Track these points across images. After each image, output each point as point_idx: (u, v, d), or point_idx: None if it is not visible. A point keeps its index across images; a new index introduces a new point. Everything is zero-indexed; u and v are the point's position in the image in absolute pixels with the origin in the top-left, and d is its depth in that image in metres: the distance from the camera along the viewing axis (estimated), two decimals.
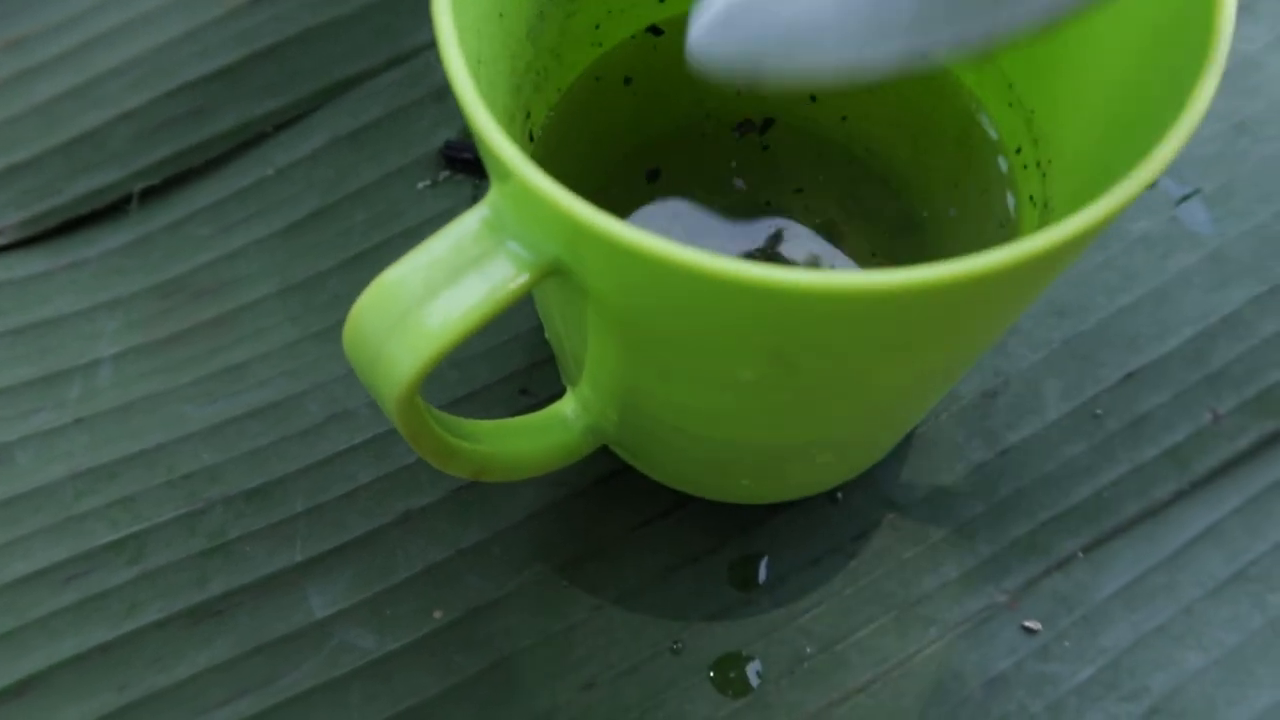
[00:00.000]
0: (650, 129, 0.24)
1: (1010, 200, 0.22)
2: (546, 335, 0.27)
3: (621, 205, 0.22)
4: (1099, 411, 0.28)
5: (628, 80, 0.24)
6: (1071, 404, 0.28)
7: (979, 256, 0.13)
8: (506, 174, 0.14)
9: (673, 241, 0.13)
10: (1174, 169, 0.30)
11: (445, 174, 0.30)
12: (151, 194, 0.30)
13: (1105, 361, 0.28)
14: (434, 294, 0.15)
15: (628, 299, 0.15)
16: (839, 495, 0.27)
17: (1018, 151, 0.23)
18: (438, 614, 0.25)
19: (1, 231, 0.29)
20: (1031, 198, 0.22)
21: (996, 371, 0.28)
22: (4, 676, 0.24)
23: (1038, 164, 0.22)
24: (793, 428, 0.19)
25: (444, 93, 0.31)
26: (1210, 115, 0.31)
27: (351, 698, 0.24)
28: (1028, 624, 0.26)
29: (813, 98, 0.24)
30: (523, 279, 0.15)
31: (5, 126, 0.30)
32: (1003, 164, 0.23)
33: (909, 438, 0.27)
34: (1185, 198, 0.30)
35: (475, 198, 0.30)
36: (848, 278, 0.13)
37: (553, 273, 0.16)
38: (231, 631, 0.25)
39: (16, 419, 0.27)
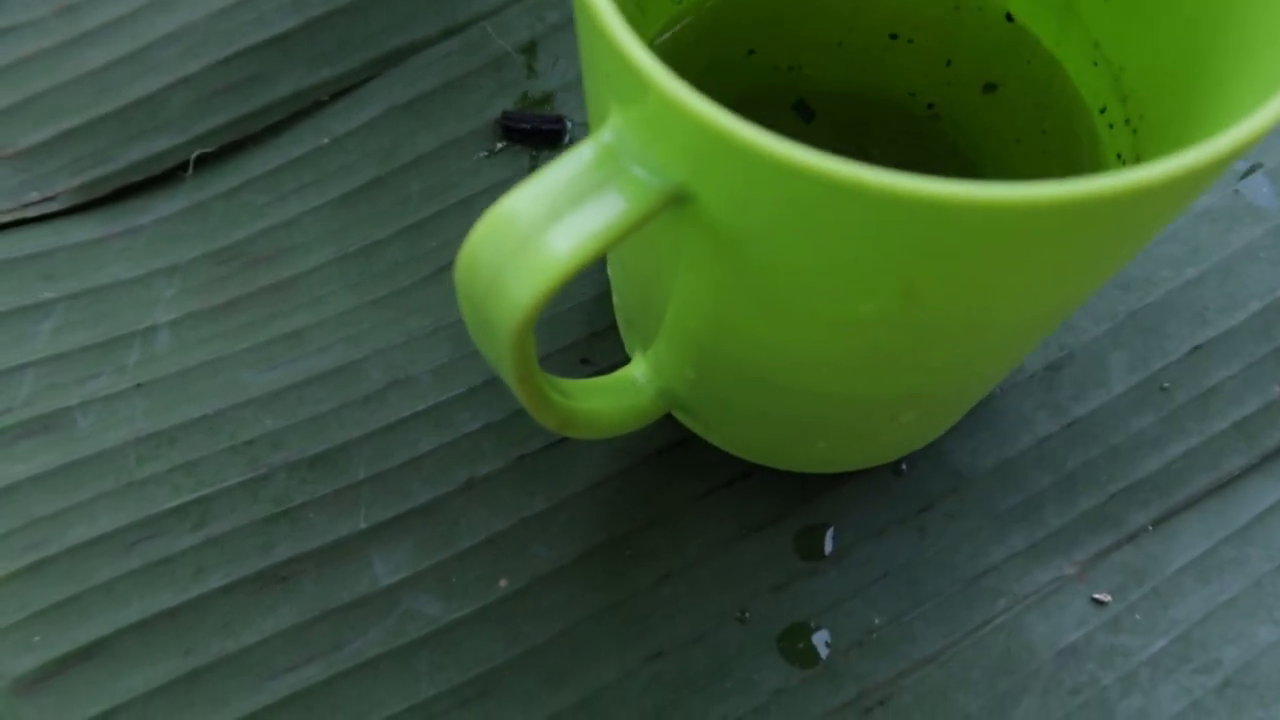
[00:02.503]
0: (725, 93, 0.24)
1: (1100, 159, 0.22)
2: (614, 299, 0.26)
3: None
4: (1166, 384, 0.27)
5: (704, 40, 0.24)
6: (1138, 377, 0.28)
7: (1151, 165, 0.13)
8: (639, 85, 0.14)
9: (817, 150, 0.13)
10: None
11: (502, 144, 0.30)
12: (207, 161, 0.29)
13: (1172, 334, 0.28)
14: (557, 218, 0.15)
15: (752, 223, 0.15)
16: (903, 467, 0.27)
17: (1102, 111, 0.22)
18: (503, 582, 0.25)
19: (56, 197, 0.29)
20: (1120, 155, 0.22)
21: (1061, 345, 0.28)
22: (70, 641, 0.24)
23: (1126, 121, 0.22)
24: (896, 375, 0.19)
25: (501, 62, 0.31)
26: None
27: (419, 665, 0.24)
28: (1097, 596, 0.25)
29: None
30: (645, 204, 0.15)
31: (58, 92, 0.30)
32: (1086, 123, 0.22)
33: (974, 410, 0.27)
34: (1248, 172, 0.30)
35: (533, 168, 0.30)
36: (1025, 189, 0.12)
37: (677, 199, 0.15)
38: (297, 597, 0.24)
39: (74, 384, 0.26)
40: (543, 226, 0.15)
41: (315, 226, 0.29)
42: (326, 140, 0.30)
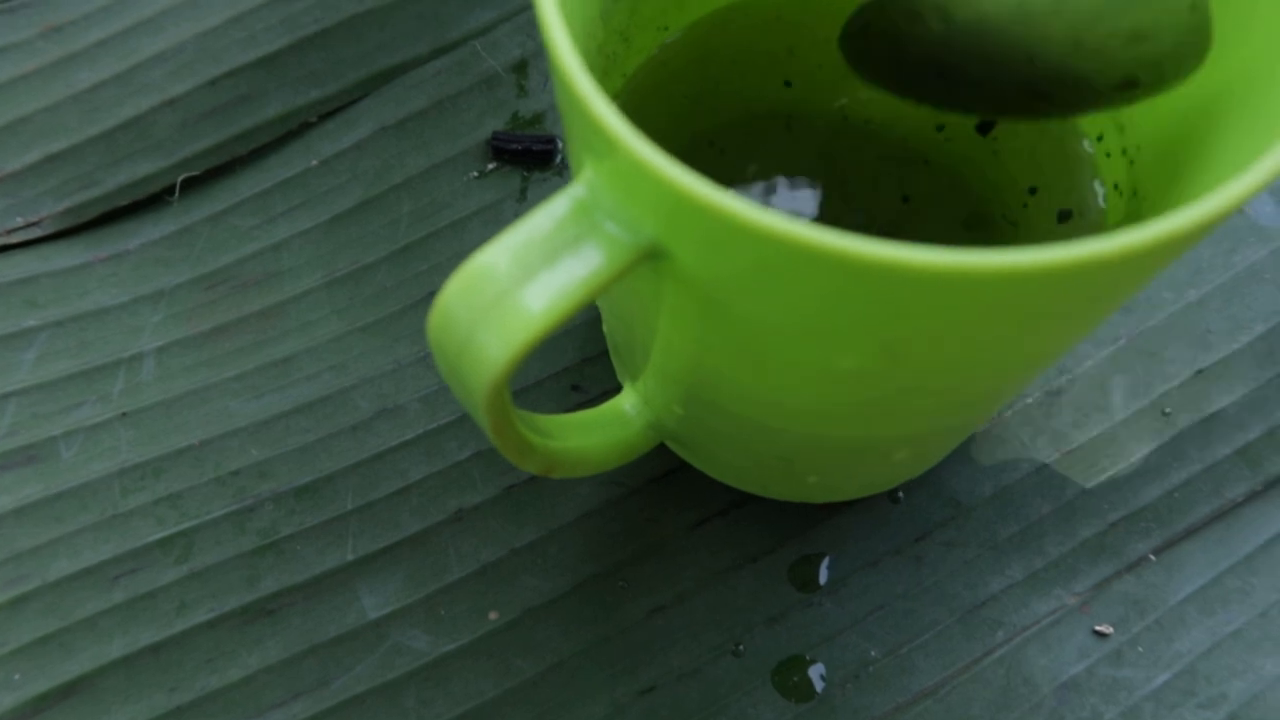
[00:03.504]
0: (714, 117, 0.23)
1: (1096, 189, 0.21)
2: (605, 329, 0.26)
3: None
4: (1168, 410, 0.27)
5: (693, 65, 0.23)
6: (1139, 402, 0.27)
7: (1145, 227, 0.12)
8: (609, 146, 0.14)
9: (799, 219, 0.13)
10: None
11: (493, 165, 0.29)
12: (193, 184, 0.29)
13: (1173, 358, 0.27)
14: (530, 277, 0.15)
15: (725, 279, 0.15)
16: (900, 495, 0.26)
17: (1099, 139, 0.22)
18: (493, 615, 0.25)
19: (40, 222, 0.28)
20: (1116, 185, 0.21)
21: (1060, 369, 0.27)
22: (51, 678, 0.23)
23: (1123, 151, 0.21)
24: (882, 422, 0.18)
25: (492, 82, 0.30)
26: None
27: (407, 701, 0.24)
28: (1099, 628, 0.25)
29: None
30: (619, 261, 0.15)
31: (44, 115, 0.29)
32: (1084, 151, 0.22)
33: (971, 438, 0.27)
34: None
35: (524, 189, 0.29)
36: (1007, 255, 0.12)
37: (651, 256, 0.15)
38: (283, 632, 0.24)
39: (59, 413, 0.26)
40: (517, 283, 0.14)
41: (304, 250, 0.28)
42: (315, 162, 0.29)
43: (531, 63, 0.30)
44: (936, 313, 0.14)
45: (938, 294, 0.13)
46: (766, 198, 0.22)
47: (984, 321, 0.14)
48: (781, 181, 0.23)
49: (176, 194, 0.29)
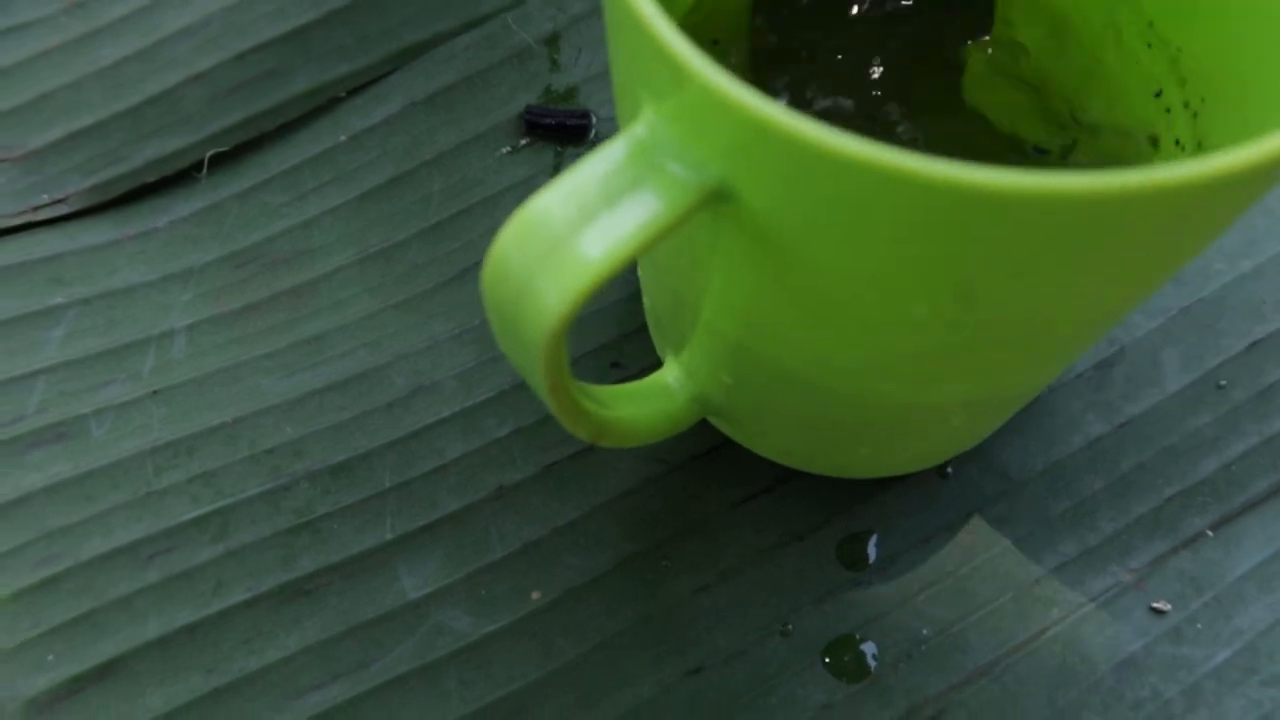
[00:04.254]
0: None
1: (1153, 144, 0.21)
2: (645, 300, 0.25)
3: None
4: (1223, 382, 0.26)
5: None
6: (1193, 375, 0.26)
7: (1227, 153, 0.12)
8: (676, 75, 0.13)
9: (882, 145, 0.12)
10: None
11: (526, 140, 0.29)
12: (222, 160, 0.28)
13: (1227, 330, 0.27)
14: (588, 221, 0.14)
15: (797, 220, 0.14)
16: (949, 470, 0.26)
17: (1157, 95, 0.21)
18: (535, 595, 0.24)
19: (66, 199, 0.28)
20: (1178, 141, 0.21)
21: (1111, 341, 0.27)
22: (86, 659, 0.23)
23: (1185, 104, 0.20)
24: (946, 379, 0.18)
25: (524, 55, 0.30)
26: None
27: (448, 683, 0.23)
28: (1156, 605, 0.24)
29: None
30: (683, 202, 0.14)
31: (69, 91, 0.29)
32: (1140, 108, 0.21)
33: (1022, 411, 0.26)
34: None
35: (558, 165, 0.29)
36: (1102, 178, 0.11)
37: (717, 197, 0.14)
38: (321, 612, 0.23)
39: (88, 391, 0.25)
40: (575, 228, 0.14)
41: (334, 227, 0.28)
42: (345, 137, 0.29)
43: (564, 36, 0.30)
44: (1020, 242, 0.13)
45: (1024, 220, 0.12)
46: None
47: (1066, 252, 0.13)
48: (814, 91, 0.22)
49: (205, 170, 0.28)
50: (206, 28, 0.29)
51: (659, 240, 0.14)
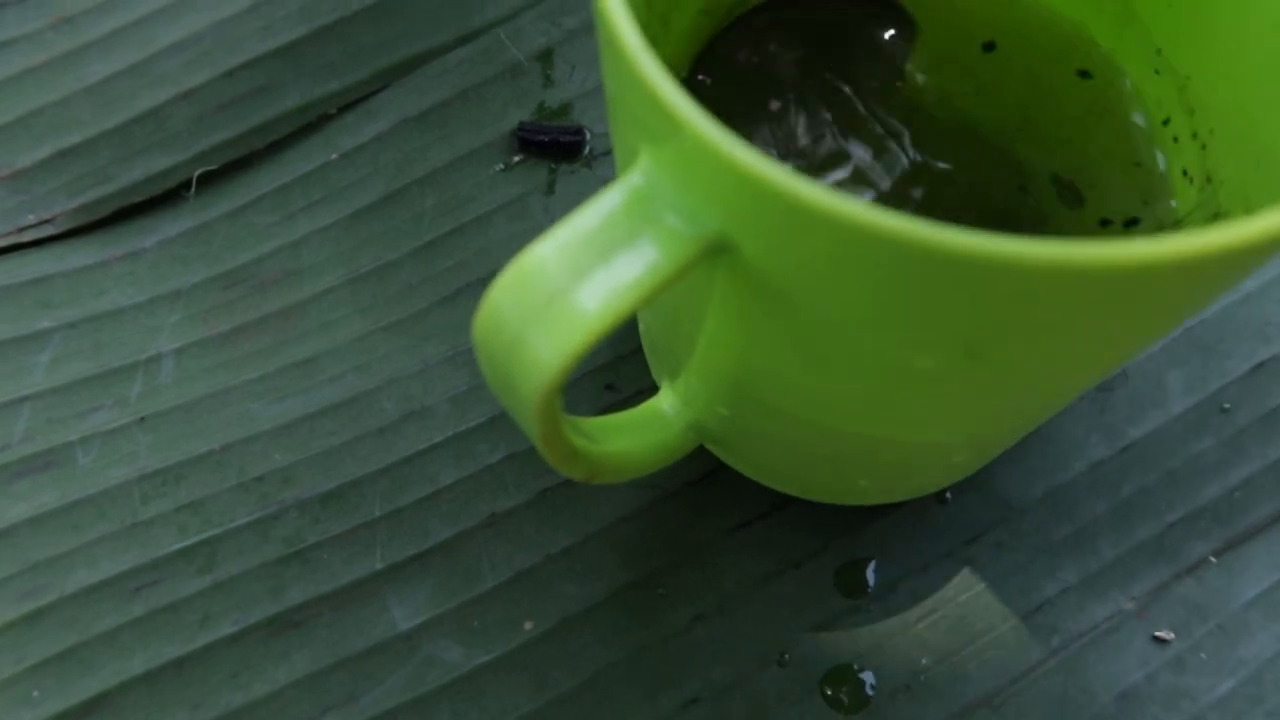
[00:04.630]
0: (763, 106, 0.22)
1: (1162, 172, 0.20)
2: (640, 325, 0.25)
3: None
4: (1227, 405, 0.26)
5: (737, 54, 0.22)
6: (1196, 397, 0.26)
7: (1251, 221, 0.11)
8: (674, 129, 0.13)
9: (883, 209, 0.11)
10: None
11: (519, 157, 0.28)
12: (210, 179, 0.28)
13: (1232, 352, 0.26)
14: (583, 276, 0.14)
15: (797, 274, 0.14)
16: (948, 496, 0.25)
17: (1165, 123, 0.21)
18: (528, 625, 0.24)
19: (54, 220, 0.27)
20: (1185, 172, 0.20)
21: None
22: (70, 695, 0.22)
23: (1194, 135, 0.20)
24: (950, 424, 0.17)
25: (517, 71, 0.29)
26: None
27: (440, 716, 0.23)
28: (1159, 634, 0.24)
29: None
30: (681, 256, 0.14)
31: (55, 108, 0.28)
32: (1146, 137, 0.21)
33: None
34: None
35: (551, 182, 0.28)
36: (1119, 247, 0.11)
37: (713, 249, 0.14)
38: (310, 644, 0.23)
39: (75, 418, 0.25)
40: (570, 282, 0.13)
41: (325, 247, 0.27)
42: (335, 155, 0.28)
43: (557, 51, 0.29)
44: (1031, 309, 0.12)
45: (1037, 289, 0.12)
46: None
47: (1081, 319, 0.13)
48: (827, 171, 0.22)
49: (193, 189, 0.28)
50: (196, 44, 0.28)
51: (657, 295, 0.14)
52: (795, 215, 0.12)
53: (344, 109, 0.29)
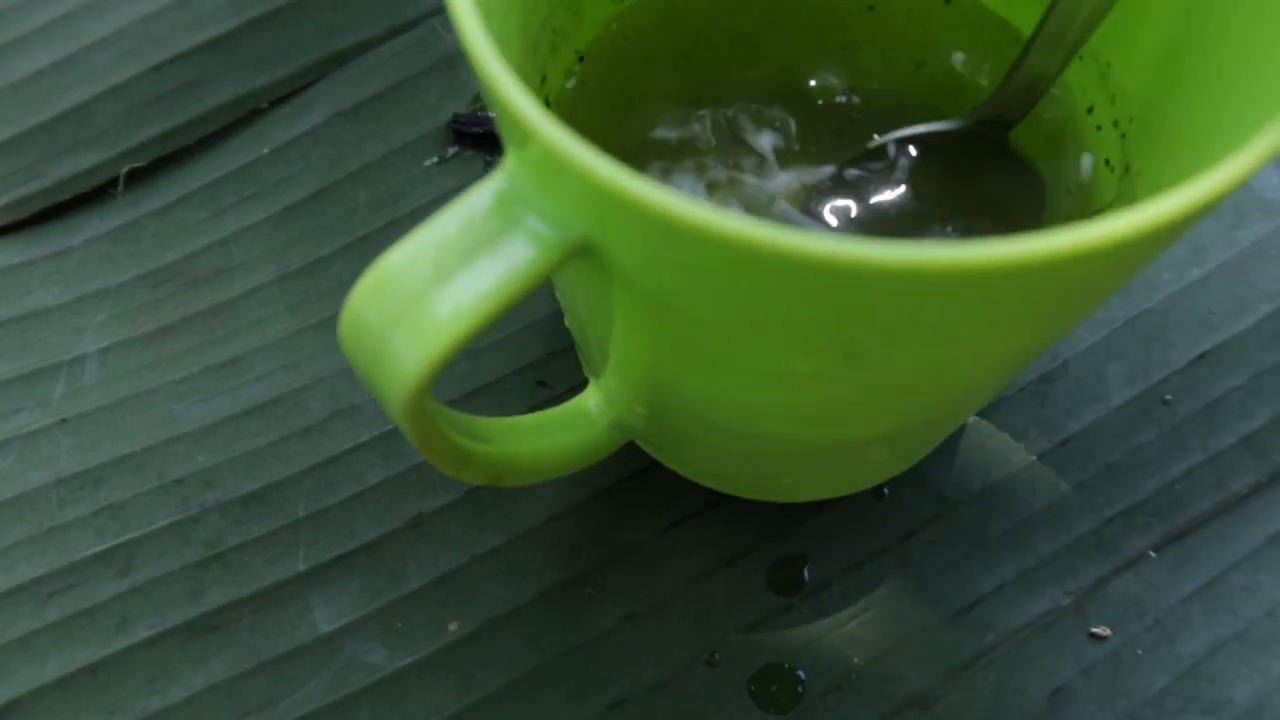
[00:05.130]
0: (683, 96, 0.22)
1: (1086, 164, 0.20)
2: (566, 321, 0.25)
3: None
4: (1168, 397, 0.25)
5: (656, 41, 0.22)
6: (1137, 389, 0.25)
7: (1119, 217, 0.11)
8: (526, 136, 0.12)
9: (731, 211, 0.11)
10: None
11: (454, 150, 0.28)
12: (139, 176, 0.28)
13: (1174, 343, 0.26)
14: (444, 279, 0.13)
15: (665, 281, 0.13)
16: (886, 491, 0.25)
17: (1090, 110, 0.20)
18: (453, 626, 0.23)
19: None
20: (1108, 161, 0.20)
21: (1054, 355, 0.26)
22: None
23: (1115, 124, 0.20)
24: (851, 423, 0.17)
25: (453, 62, 0.29)
26: None
27: (361, 719, 0.22)
28: (1096, 630, 0.24)
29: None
30: (544, 260, 0.13)
31: None
32: (1071, 124, 0.20)
33: (960, 429, 0.25)
34: None
35: (487, 175, 0.28)
36: (966, 250, 0.11)
37: (580, 253, 0.13)
38: (230, 648, 0.23)
39: None
40: (430, 287, 0.13)
41: (256, 244, 0.27)
42: (267, 150, 0.28)
43: None
44: (898, 313, 0.12)
45: (898, 293, 0.11)
46: (732, 189, 0.21)
47: (952, 321, 0.12)
48: (746, 167, 0.21)
49: (121, 186, 0.27)
50: (123, 39, 0.28)
51: (521, 296, 0.14)
52: (645, 222, 0.12)
53: (275, 103, 0.28)
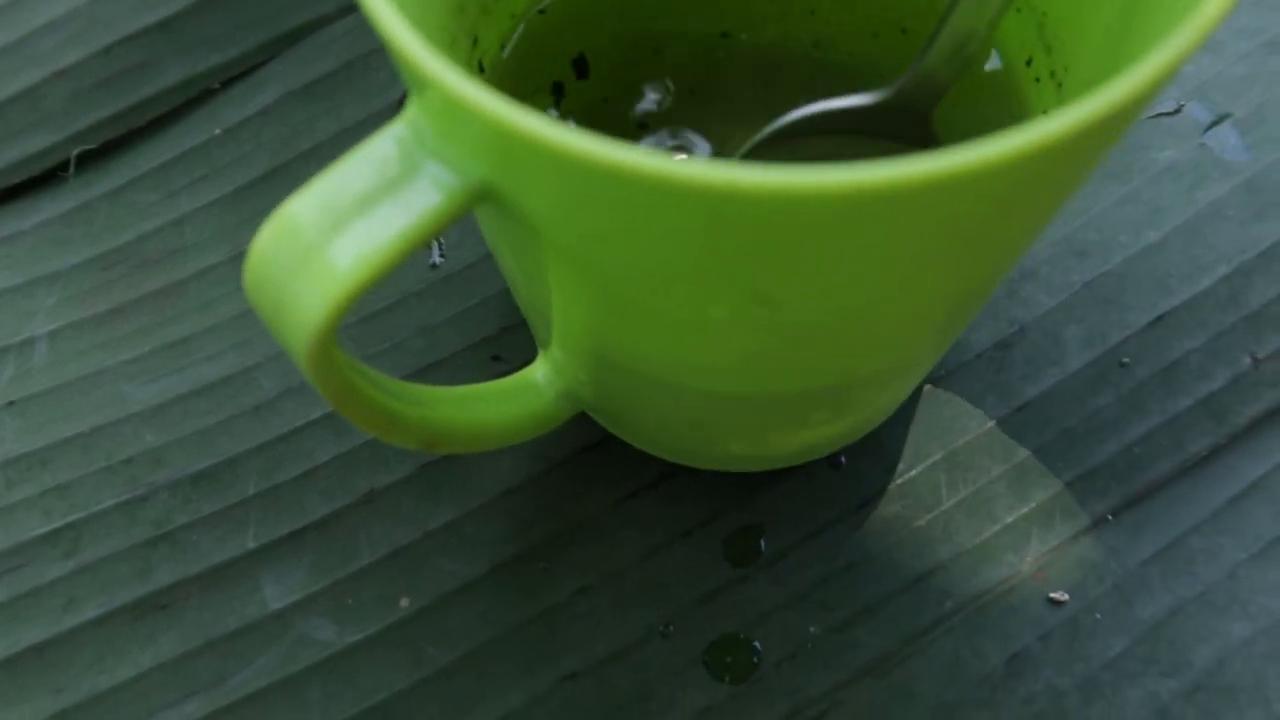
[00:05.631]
0: (619, 59, 0.22)
1: (1020, 117, 0.19)
2: (512, 291, 0.24)
3: None
4: (1126, 360, 0.25)
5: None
6: (1095, 352, 0.25)
7: (1003, 136, 0.11)
8: (420, 79, 0.12)
9: (614, 141, 0.11)
10: (1201, 91, 0.28)
11: None
12: (90, 158, 0.27)
13: (1132, 305, 0.26)
14: (341, 227, 0.13)
15: (569, 224, 0.13)
16: (842, 460, 0.25)
17: (1028, 64, 0.20)
18: (404, 601, 0.23)
19: None
20: (1046, 113, 0.19)
21: (1011, 320, 0.26)
22: None
23: (1051, 74, 0.19)
24: (778, 377, 0.17)
25: None
26: (1239, 33, 0.28)
27: (311, 695, 0.22)
28: (1054, 595, 0.23)
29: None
30: (447, 206, 0.13)
31: None
32: (1009, 77, 0.20)
33: (916, 395, 0.25)
34: (1214, 123, 0.27)
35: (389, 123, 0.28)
36: (855, 171, 0.10)
37: (482, 198, 0.13)
38: (178, 626, 0.23)
39: None
40: (326, 236, 0.13)
41: (208, 225, 0.27)
42: (219, 130, 0.28)
43: None
44: (795, 246, 0.12)
45: (790, 221, 0.11)
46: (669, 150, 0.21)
47: (853, 254, 0.12)
48: (689, 126, 0.21)
49: (72, 169, 0.27)
50: (71, 21, 0.28)
51: (420, 244, 0.13)
52: (540, 157, 0.11)
53: (227, 83, 0.28)
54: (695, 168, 0.11)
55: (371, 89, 0.28)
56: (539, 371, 0.22)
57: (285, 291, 0.13)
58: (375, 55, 0.29)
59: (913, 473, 0.24)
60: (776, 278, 0.13)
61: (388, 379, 0.17)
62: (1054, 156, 0.11)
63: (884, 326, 0.15)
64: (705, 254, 0.13)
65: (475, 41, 0.20)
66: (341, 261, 0.13)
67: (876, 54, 0.22)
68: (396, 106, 0.28)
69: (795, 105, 0.20)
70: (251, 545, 0.23)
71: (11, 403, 0.25)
